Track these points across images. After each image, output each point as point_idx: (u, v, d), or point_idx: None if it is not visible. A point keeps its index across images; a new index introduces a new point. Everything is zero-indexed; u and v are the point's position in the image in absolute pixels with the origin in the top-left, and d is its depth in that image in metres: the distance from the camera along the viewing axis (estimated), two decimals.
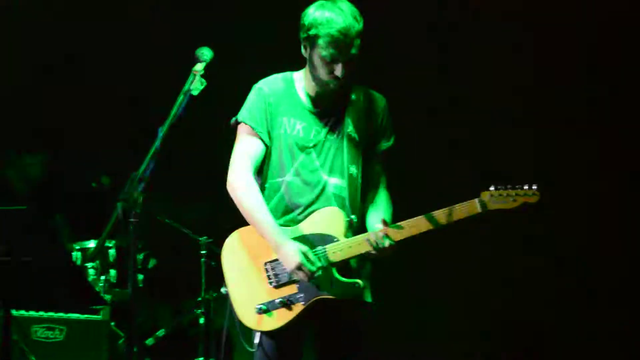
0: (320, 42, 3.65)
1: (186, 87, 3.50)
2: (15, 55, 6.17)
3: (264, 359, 3.79)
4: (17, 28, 6.17)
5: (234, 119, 3.86)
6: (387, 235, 3.60)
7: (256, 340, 3.77)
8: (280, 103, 3.81)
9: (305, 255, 3.62)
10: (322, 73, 3.71)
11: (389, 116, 3.90)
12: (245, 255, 3.78)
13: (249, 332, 3.78)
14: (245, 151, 3.81)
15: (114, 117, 6.14)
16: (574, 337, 5.54)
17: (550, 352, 5.65)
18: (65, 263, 3.55)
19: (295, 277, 3.67)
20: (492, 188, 3.58)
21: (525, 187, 3.58)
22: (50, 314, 4.81)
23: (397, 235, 3.61)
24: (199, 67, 3.55)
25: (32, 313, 4.83)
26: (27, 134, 6.14)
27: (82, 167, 5.78)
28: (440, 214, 3.60)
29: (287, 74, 3.91)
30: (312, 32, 3.66)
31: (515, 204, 3.57)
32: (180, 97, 3.48)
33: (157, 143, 3.36)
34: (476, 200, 3.59)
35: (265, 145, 3.80)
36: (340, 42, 3.62)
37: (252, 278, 3.74)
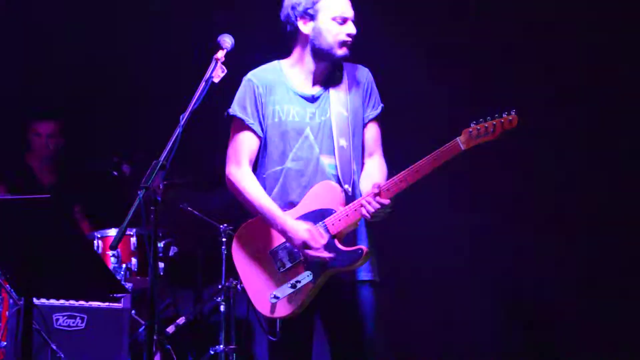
0: (329, 4, 3.76)
1: (207, 75, 3.49)
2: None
3: (282, 346, 3.82)
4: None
5: (227, 112, 3.87)
6: (379, 195, 3.62)
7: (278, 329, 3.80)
8: (270, 92, 3.83)
9: (310, 232, 3.65)
10: (331, 38, 3.78)
11: (373, 85, 3.96)
12: (252, 247, 3.82)
13: (270, 322, 3.78)
14: (239, 144, 3.83)
15: (136, 105, 6.13)
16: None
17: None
18: (87, 251, 3.54)
19: (302, 257, 3.68)
20: (472, 124, 3.63)
21: (504, 114, 3.61)
22: (71, 302, 4.81)
23: (389, 193, 3.64)
24: (220, 55, 3.56)
25: (54, 302, 4.83)
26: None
27: (104, 155, 5.77)
28: (425, 162, 3.63)
29: (275, 62, 3.93)
30: None
31: (495, 134, 3.61)
32: (202, 85, 3.48)
33: (179, 131, 3.35)
34: (457, 139, 3.63)
35: (258, 136, 3.82)
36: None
37: (262, 268, 3.78)
